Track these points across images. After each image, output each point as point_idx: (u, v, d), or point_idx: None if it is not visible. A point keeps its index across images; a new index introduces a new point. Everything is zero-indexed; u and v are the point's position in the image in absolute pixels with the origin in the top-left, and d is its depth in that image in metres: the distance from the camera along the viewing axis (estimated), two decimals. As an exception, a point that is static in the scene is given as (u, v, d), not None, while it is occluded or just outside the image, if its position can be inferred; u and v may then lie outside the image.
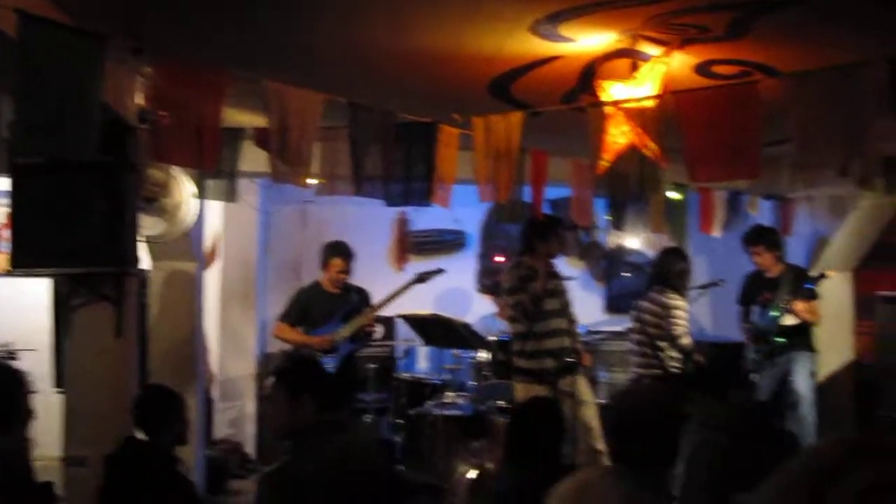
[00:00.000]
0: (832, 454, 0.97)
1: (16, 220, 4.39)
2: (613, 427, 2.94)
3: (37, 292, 7.05)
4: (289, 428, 3.54)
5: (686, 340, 6.49)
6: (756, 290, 7.38)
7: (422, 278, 7.20)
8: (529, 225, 6.39)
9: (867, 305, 7.67)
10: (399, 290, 7.06)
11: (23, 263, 4.39)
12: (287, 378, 3.69)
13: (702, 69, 4.44)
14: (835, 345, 7.70)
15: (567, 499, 2.68)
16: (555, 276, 6.39)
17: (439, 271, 7.37)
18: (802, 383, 7.09)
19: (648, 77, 4.04)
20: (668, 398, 2.95)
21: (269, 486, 3.53)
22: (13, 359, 7.23)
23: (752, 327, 7.33)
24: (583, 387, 6.32)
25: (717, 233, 7.70)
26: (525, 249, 6.38)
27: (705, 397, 4.50)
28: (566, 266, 6.98)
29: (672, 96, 4.08)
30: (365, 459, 3.61)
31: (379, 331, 7.32)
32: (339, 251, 6.93)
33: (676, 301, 6.58)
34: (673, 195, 7.32)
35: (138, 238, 4.81)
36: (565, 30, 3.87)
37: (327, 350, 6.72)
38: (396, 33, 4.04)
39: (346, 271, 6.91)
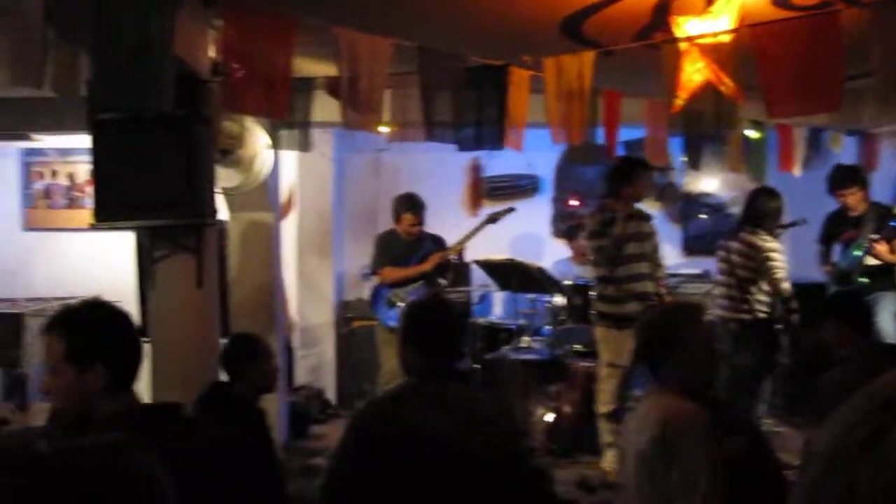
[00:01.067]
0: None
1: (97, 175, 4.49)
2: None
3: (120, 245, 7.26)
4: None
5: (786, 285, 6.21)
6: (838, 229, 7.18)
7: (493, 218, 7.23)
8: (615, 168, 6.29)
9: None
10: (472, 232, 7.11)
11: (105, 217, 4.50)
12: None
13: (779, 1, 4.30)
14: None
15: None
16: (639, 218, 6.30)
17: (510, 210, 7.38)
18: (887, 324, 6.89)
19: (724, 11, 3.93)
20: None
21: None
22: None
23: (834, 267, 7.15)
24: None
25: (797, 171, 7.49)
26: (609, 193, 6.30)
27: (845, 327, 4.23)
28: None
29: (749, 30, 3.96)
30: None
31: (445, 280, 7.38)
32: (408, 205, 7.00)
33: (772, 243, 6.30)
34: (751, 133, 7.14)
35: (215, 190, 4.89)
36: (637, -35, 3.78)
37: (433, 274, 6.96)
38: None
39: (418, 223, 6.98)
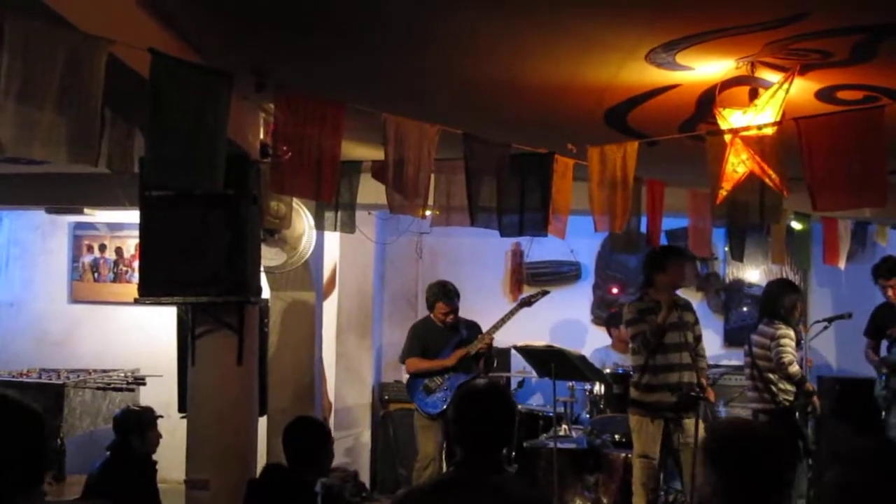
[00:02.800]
0: None
1: (145, 250, 4.58)
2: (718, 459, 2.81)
3: (162, 320, 7.33)
4: None
5: (794, 369, 6.30)
6: (886, 324, 7.08)
7: (527, 302, 7.25)
8: (649, 256, 6.31)
9: None
10: (506, 316, 7.14)
11: (150, 292, 4.58)
12: None
13: (824, 95, 4.33)
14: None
15: None
16: (682, 308, 6.26)
17: (544, 293, 7.40)
18: (931, 422, 6.75)
19: (768, 104, 3.96)
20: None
21: None
22: (141, 384, 7.54)
23: (883, 361, 7.04)
24: (702, 434, 6.12)
25: (841, 264, 7.42)
26: (647, 282, 6.30)
27: (840, 427, 4.22)
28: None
29: (794, 123, 3.98)
30: None
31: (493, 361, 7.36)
32: (441, 294, 7.05)
33: (783, 330, 6.42)
34: (796, 225, 7.11)
35: (259, 268, 4.95)
36: (682, 58, 3.83)
37: (458, 367, 6.91)
38: (511, 65, 4.07)
39: (452, 312, 7.01)
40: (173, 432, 5.70)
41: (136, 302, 4.65)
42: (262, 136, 4.96)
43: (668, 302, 6.09)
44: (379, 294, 9.08)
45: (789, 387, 6.39)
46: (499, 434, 3.04)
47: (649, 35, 3.60)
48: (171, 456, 5.60)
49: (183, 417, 5.20)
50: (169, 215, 4.49)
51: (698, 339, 6.37)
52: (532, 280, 9.16)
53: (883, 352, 7.11)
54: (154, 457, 5.32)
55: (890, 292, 7.01)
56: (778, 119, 3.97)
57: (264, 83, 4.04)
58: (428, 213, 5.46)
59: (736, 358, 8.76)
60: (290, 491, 4.19)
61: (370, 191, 5.35)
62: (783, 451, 2.74)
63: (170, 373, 6.06)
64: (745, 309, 9.24)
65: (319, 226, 5.68)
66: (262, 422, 5.84)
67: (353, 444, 8.62)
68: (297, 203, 5.47)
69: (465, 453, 3.00)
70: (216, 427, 4.76)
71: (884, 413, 7.04)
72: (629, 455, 6.42)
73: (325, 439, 4.42)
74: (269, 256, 5.51)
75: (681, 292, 6.50)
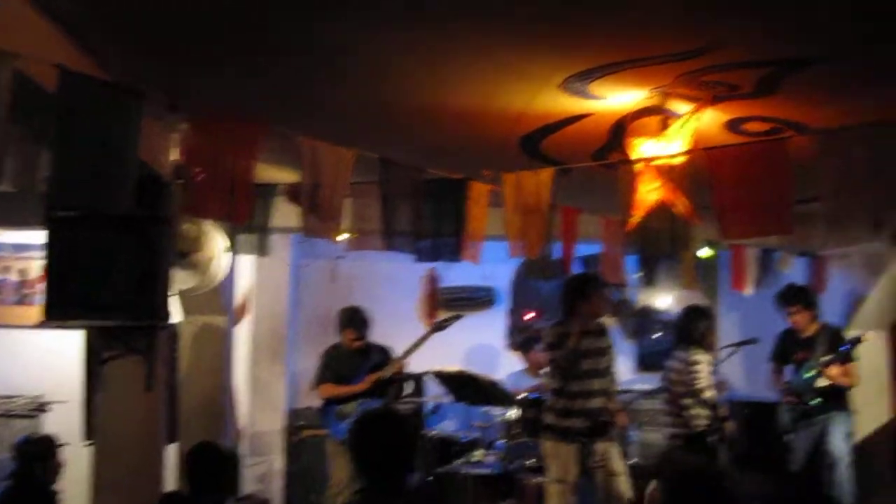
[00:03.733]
0: None
1: (50, 272, 4.44)
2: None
3: (67, 344, 7.12)
4: None
5: (709, 393, 6.48)
6: (790, 349, 7.28)
7: (440, 326, 7.29)
8: (570, 286, 6.31)
9: (904, 364, 7.54)
10: (419, 341, 7.14)
11: (56, 315, 4.43)
12: None
13: (732, 126, 4.44)
14: (871, 405, 7.55)
15: None
16: (596, 334, 6.31)
17: (457, 317, 7.43)
18: (839, 445, 6.94)
19: (679, 134, 4.05)
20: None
21: None
22: (44, 411, 7.30)
23: (787, 386, 7.23)
24: (615, 458, 6.18)
25: (748, 290, 7.62)
26: (569, 310, 6.27)
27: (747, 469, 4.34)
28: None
29: (703, 153, 4.07)
30: None
31: (407, 386, 7.35)
32: (348, 322, 7.10)
33: (698, 356, 6.59)
34: (704, 252, 7.28)
35: (170, 292, 4.85)
36: (595, 88, 3.89)
37: (372, 392, 6.89)
38: (427, 90, 4.08)
39: (360, 339, 7.01)
40: (78, 460, 5.52)
41: (41, 325, 4.51)
42: (175, 157, 4.88)
43: (581, 329, 6.13)
44: (294, 318, 8.97)
45: (703, 411, 6.55)
46: (396, 460, 3.06)
47: (564, 64, 3.65)
48: (75, 485, 5.42)
49: (88, 445, 5.05)
50: (76, 236, 4.36)
51: (610, 364, 6.43)
52: (448, 305, 9.16)
53: (788, 376, 7.31)
54: (56, 487, 5.15)
55: (793, 318, 7.22)
56: (688, 149, 4.06)
57: (177, 103, 3.97)
58: (343, 236, 5.44)
59: (648, 382, 8.89)
60: None
61: (285, 214, 5.30)
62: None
63: (75, 399, 5.88)
64: (657, 334, 9.39)
65: (233, 249, 5.61)
66: (173, 449, 5.71)
67: (266, 471, 8.47)
68: (210, 225, 5.39)
69: (367, 480, 3.00)
70: (123, 454, 4.65)
71: (789, 436, 7.24)
72: (542, 480, 6.44)
73: (227, 464, 4.32)
74: (181, 279, 5.40)
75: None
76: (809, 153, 3.88)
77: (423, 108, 4.31)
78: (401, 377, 7.13)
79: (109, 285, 4.38)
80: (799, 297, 7.22)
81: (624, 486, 6.15)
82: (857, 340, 6.92)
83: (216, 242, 5.51)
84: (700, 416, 6.54)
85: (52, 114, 3.09)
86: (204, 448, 4.44)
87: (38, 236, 4.38)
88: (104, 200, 3.39)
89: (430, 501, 6.57)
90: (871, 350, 7.35)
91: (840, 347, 6.95)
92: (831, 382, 6.95)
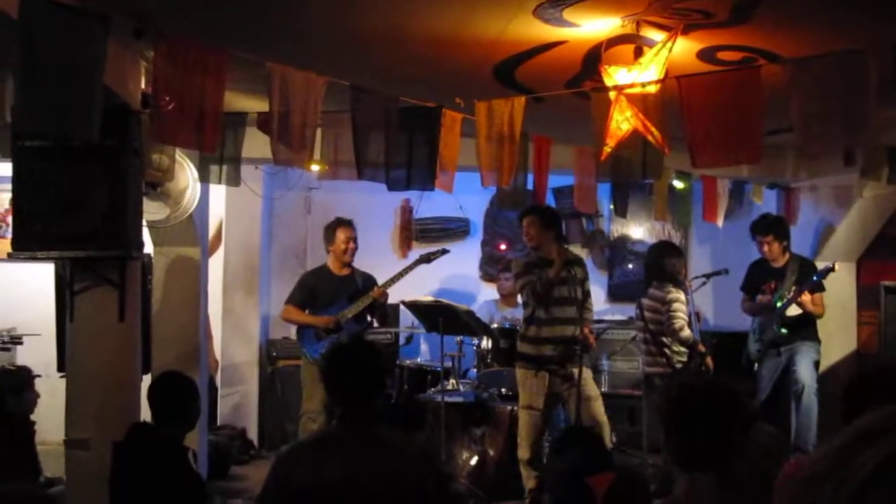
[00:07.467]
0: (879, 419, 1.02)
1: (18, 203, 4.39)
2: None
3: (39, 277, 7.08)
4: None
5: (686, 333, 6.48)
6: (761, 279, 7.38)
7: (427, 258, 7.26)
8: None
9: (871, 296, 7.65)
10: (405, 271, 7.13)
11: (25, 247, 4.39)
12: None
13: (705, 55, 4.42)
14: (838, 335, 7.69)
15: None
16: (571, 263, 6.33)
17: (444, 251, 7.41)
18: (806, 373, 7.08)
19: (652, 62, 4.03)
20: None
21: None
22: (18, 343, 7.28)
23: (756, 305, 7.38)
24: (589, 382, 6.28)
25: (720, 221, 7.68)
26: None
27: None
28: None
29: (675, 82, 4.06)
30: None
31: (373, 320, 7.36)
32: (343, 222, 7.04)
33: (673, 294, 6.58)
34: (676, 183, 7.32)
35: (142, 222, 4.81)
36: (569, 14, 3.86)
37: (331, 330, 6.79)
38: (397, 15, 4.03)
39: (354, 240, 6.98)
40: (53, 392, 5.53)
41: (10, 257, 4.47)
42: (143, 85, 4.80)
43: (561, 257, 6.18)
44: (266, 250, 8.96)
45: (682, 349, 6.58)
46: (370, 388, 3.15)
47: (537, -11, 3.61)
48: (51, 416, 5.44)
49: (62, 377, 5.05)
50: (44, 167, 4.29)
51: (587, 294, 6.49)
52: (421, 236, 9.19)
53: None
54: (32, 418, 5.16)
55: (765, 248, 7.31)
56: (661, 77, 4.04)
57: (143, 30, 3.89)
58: (315, 166, 5.41)
59: (620, 313, 9.01)
60: (157, 449, 4.11)
61: (257, 144, 5.25)
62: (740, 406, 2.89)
63: (48, 331, 5.87)
64: (629, 265, 9.48)
65: (204, 178, 5.56)
66: (147, 381, 5.72)
67: (241, 402, 8.54)
68: (180, 156, 5.33)
69: (343, 408, 3.06)
70: (97, 384, 4.63)
71: (756, 365, 7.37)
72: (515, 408, 6.54)
73: (191, 394, 4.34)
74: (152, 211, 5.36)
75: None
76: (781, 83, 3.88)
77: (394, 34, 4.26)
78: (383, 304, 7.12)
79: (79, 216, 4.33)
80: (773, 227, 7.30)
81: (599, 408, 6.25)
82: (829, 269, 7.00)
83: (187, 172, 5.46)
84: (681, 353, 6.57)
85: (15, 40, 3.02)
86: (166, 379, 4.47)
87: (6, 168, 4.31)
88: (70, 128, 3.35)
89: (406, 424, 6.66)
90: (838, 281, 7.46)
91: (813, 276, 7.04)
92: (801, 312, 7.05)
